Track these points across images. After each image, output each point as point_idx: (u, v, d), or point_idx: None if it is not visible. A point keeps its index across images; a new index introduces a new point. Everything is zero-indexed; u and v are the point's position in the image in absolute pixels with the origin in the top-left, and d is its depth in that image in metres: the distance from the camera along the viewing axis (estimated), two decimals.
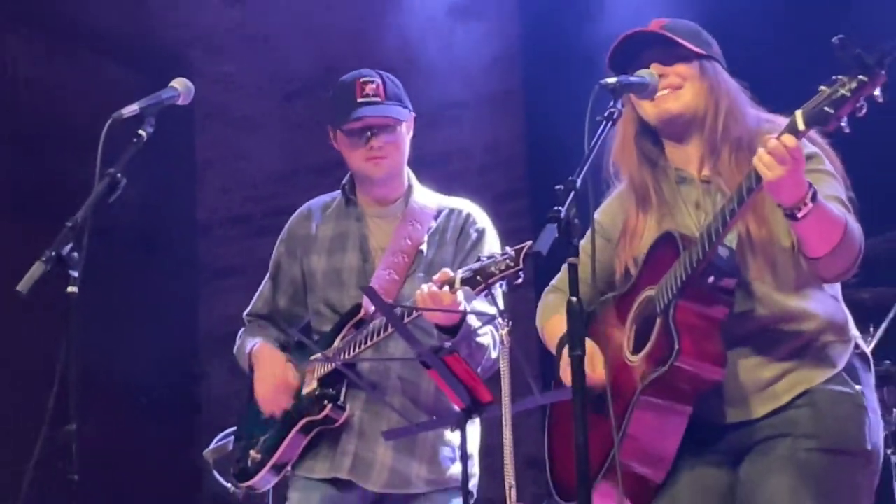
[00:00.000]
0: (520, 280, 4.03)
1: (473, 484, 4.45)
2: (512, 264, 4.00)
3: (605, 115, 3.59)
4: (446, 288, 4.08)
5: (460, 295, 4.09)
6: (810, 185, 3.48)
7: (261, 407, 4.52)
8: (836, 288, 3.82)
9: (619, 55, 3.82)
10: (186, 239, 9.33)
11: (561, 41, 7.75)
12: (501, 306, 4.31)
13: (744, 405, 3.72)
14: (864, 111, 3.36)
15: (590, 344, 3.68)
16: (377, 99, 4.49)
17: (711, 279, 3.63)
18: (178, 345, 9.08)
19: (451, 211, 4.59)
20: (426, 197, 4.63)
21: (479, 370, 4.26)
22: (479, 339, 4.29)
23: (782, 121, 3.73)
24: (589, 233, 3.74)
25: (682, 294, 3.63)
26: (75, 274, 3.71)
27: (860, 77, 3.32)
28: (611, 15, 6.71)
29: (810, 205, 3.47)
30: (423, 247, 4.50)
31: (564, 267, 4.00)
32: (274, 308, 4.68)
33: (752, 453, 3.73)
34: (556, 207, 3.38)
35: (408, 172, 4.64)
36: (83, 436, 3.67)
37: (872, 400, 3.79)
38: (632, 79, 3.71)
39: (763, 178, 3.43)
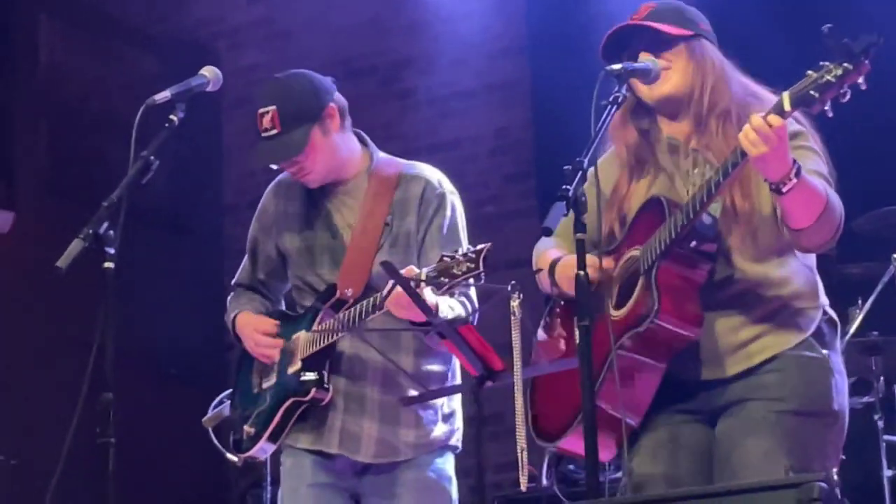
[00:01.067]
0: (482, 281, 3.94)
1: (458, 439, 4.44)
2: (472, 266, 3.89)
3: (611, 99, 3.59)
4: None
5: (427, 291, 3.99)
6: (795, 161, 3.49)
7: (258, 358, 4.47)
8: (811, 257, 3.82)
9: (610, 47, 3.82)
10: (213, 220, 9.35)
11: (566, 32, 7.74)
12: (475, 298, 4.31)
13: (718, 364, 3.73)
14: (847, 97, 3.37)
15: (591, 257, 3.65)
16: (274, 132, 4.30)
17: (694, 243, 3.65)
18: (205, 319, 9.08)
19: (411, 178, 4.45)
20: (387, 166, 4.49)
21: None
22: (452, 316, 4.21)
23: (768, 96, 3.74)
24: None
25: (666, 256, 3.64)
26: (111, 251, 3.71)
27: (845, 65, 3.33)
28: (615, 4, 6.68)
29: (794, 180, 3.48)
30: (389, 218, 4.40)
31: (555, 207, 4.02)
32: (255, 280, 4.61)
33: (726, 414, 3.73)
34: (564, 186, 3.37)
35: (359, 148, 4.50)
36: (118, 403, 3.67)
37: (839, 363, 3.81)
38: (636, 65, 3.71)
39: (748, 154, 3.44)
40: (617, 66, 3.65)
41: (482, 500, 3.97)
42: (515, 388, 3.63)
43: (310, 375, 4.31)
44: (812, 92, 3.36)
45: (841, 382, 3.78)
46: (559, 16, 7.95)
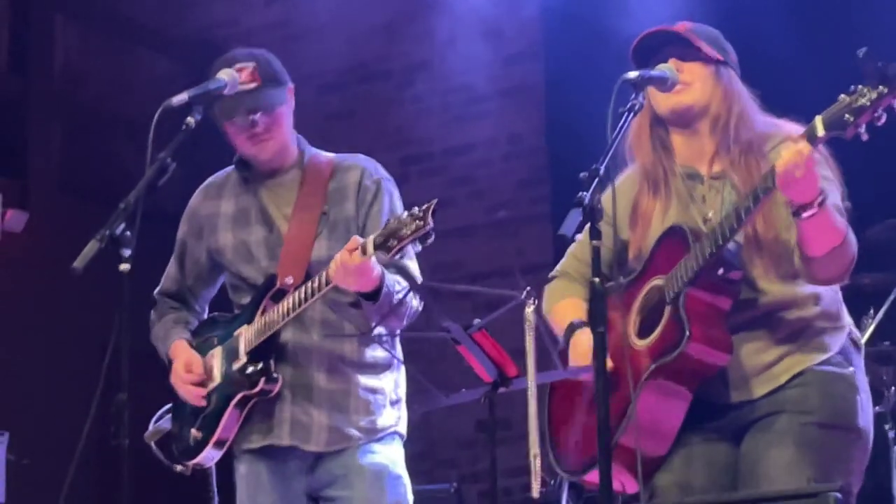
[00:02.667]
0: (431, 238, 3.92)
1: (404, 425, 4.42)
2: (421, 224, 3.88)
3: (627, 107, 3.59)
4: (358, 254, 3.97)
5: (373, 260, 3.98)
6: (822, 191, 3.50)
7: (182, 396, 4.44)
8: None
9: (642, 49, 3.82)
10: None
11: (581, 37, 7.74)
12: (416, 269, 4.27)
13: (745, 387, 3.73)
14: (882, 120, 3.39)
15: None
16: (252, 85, 4.31)
17: (721, 271, 3.65)
18: None
19: (346, 168, 4.43)
20: (320, 158, 4.48)
21: (405, 321, 4.23)
22: (398, 296, 4.18)
23: (789, 126, 3.76)
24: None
25: (693, 283, 3.64)
26: (127, 252, 3.71)
27: (881, 88, 3.34)
28: (629, 13, 6.68)
29: (816, 209, 3.49)
30: (326, 207, 4.37)
31: (568, 252, 4.08)
32: (183, 286, 4.56)
33: (752, 430, 3.74)
34: (580, 193, 3.37)
35: (297, 138, 4.49)
36: (132, 404, 3.67)
37: (864, 382, 3.81)
38: (653, 73, 3.71)
39: (778, 177, 3.45)
40: (634, 74, 3.65)
41: None
42: (529, 393, 3.62)
43: (257, 367, 4.28)
44: (847, 116, 3.37)
45: (866, 401, 3.78)
46: (574, 21, 7.94)
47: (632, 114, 3.58)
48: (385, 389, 4.37)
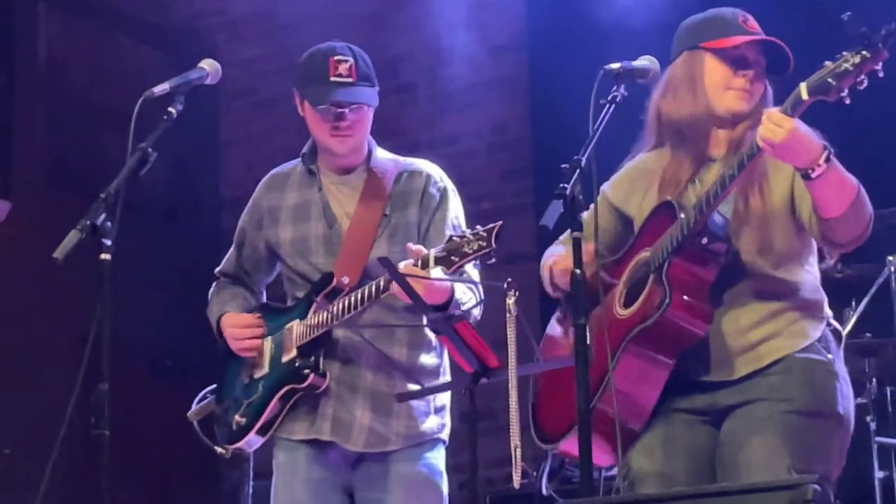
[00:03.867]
0: (492, 260, 3.96)
1: (447, 433, 4.44)
2: (484, 245, 3.92)
3: (609, 98, 3.60)
4: (419, 268, 4.00)
5: (435, 274, 4.00)
6: (825, 146, 3.52)
7: (242, 355, 4.47)
8: (816, 271, 3.85)
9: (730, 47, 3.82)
10: (210, 212, 9.34)
11: (565, 28, 7.74)
12: (476, 277, 4.28)
13: (727, 366, 3.74)
14: (864, 84, 3.41)
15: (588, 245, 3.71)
16: (350, 80, 4.36)
17: (705, 240, 3.67)
18: (200, 311, 9.08)
19: (412, 173, 4.47)
20: (386, 161, 4.51)
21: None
22: (464, 308, 4.21)
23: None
24: (592, 206, 3.81)
25: (677, 252, 3.66)
26: (108, 242, 3.71)
27: (863, 52, 3.38)
28: (613, 3, 6.68)
29: (824, 166, 3.50)
30: (388, 210, 4.40)
31: (552, 206, 4.03)
32: (240, 269, 4.62)
33: (732, 416, 3.75)
34: (561, 185, 3.38)
35: (368, 139, 4.53)
36: (113, 394, 3.66)
37: (843, 370, 3.82)
38: (634, 64, 3.72)
39: (766, 143, 3.48)
40: (615, 65, 3.66)
41: (474, 496, 3.98)
42: (510, 385, 3.62)
43: (307, 361, 4.31)
44: (830, 80, 3.40)
45: (846, 388, 3.80)
46: (558, 13, 7.94)
47: (613, 105, 3.58)
48: (430, 396, 4.39)
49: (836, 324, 3.88)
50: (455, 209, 4.44)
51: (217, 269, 4.68)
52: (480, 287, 4.31)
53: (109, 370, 3.66)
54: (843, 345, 3.89)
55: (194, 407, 4.74)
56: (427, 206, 4.40)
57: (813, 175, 3.50)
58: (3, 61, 8.62)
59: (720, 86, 3.80)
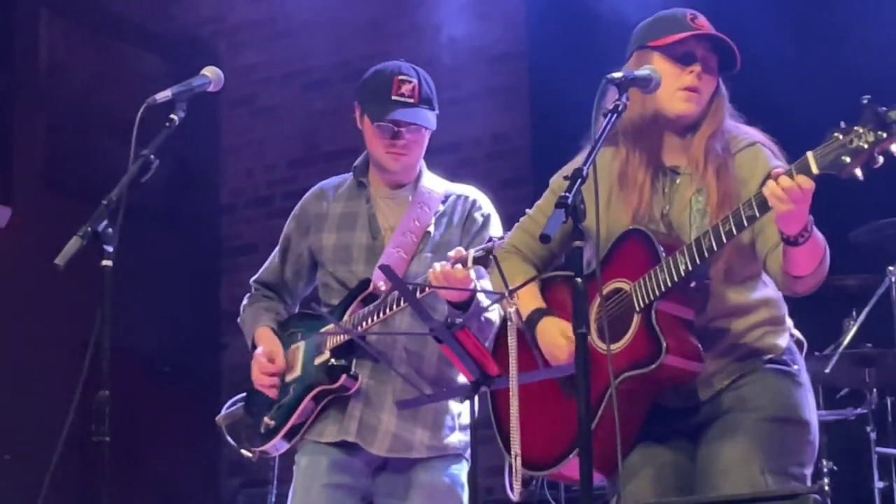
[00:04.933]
0: None
1: (469, 453, 4.44)
2: None
3: (611, 107, 3.59)
4: (459, 265, 4.08)
5: (472, 273, 4.09)
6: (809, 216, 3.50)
7: (258, 387, 4.52)
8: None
9: (675, 43, 3.80)
10: (210, 218, 9.35)
11: (565, 37, 7.75)
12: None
13: (691, 393, 3.76)
14: (879, 163, 3.32)
15: (563, 322, 3.73)
16: (411, 101, 4.44)
17: (693, 284, 3.68)
18: (200, 317, 9.09)
19: (458, 196, 4.57)
20: (434, 182, 4.60)
21: (487, 343, 4.26)
22: (488, 315, 4.29)
23: (748, 131, 3.80)
24: (548, 195, 3.88)
25: (666, 296, 3.64)
26: (110, 249, 3.70)
27: (879, 133, 3.29)
28: (616, 12, 6.68)
29: (809, 233, 3.49)
30: (431, 228, 4.48)
31: (517, 227, 4.10)
32: (280, 278, 4.66)
33: (704, 433, 3.77)
34: (563, 194, 3.37)
35: (421, 160, 4.62)
36: (113, 401, 3.66)
37: (807, 380, 3.85)
38: (637, 73, 3.69)
39: (774, 210, 3.44)
40: (617, 74, 3.64)
41: None
42: (511, 392, 3.62)
43: (340, 363, 4.36)
44: (844, 157, 3.32)
45: (810, 398, 3.83)
46: (559, 21, 7.95)
47: (615, 115, 3.58)
48: (454, 411, 4.45)
49: (797, 333, 3.91)
50: (497, 236, 4.47)
51: (253, 278, 4.73)
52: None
53: (110, 376, 3.65)
54: (804, 353, 3.92)
55: (224, 412, 4.77)
56: (468, 230, 4.50)
57: (801, 242, 3.49)
58: (5, 67, 8.63)
59: (668, 86, 3.77)
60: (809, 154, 3.39)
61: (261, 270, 4.71)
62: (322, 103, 8.88)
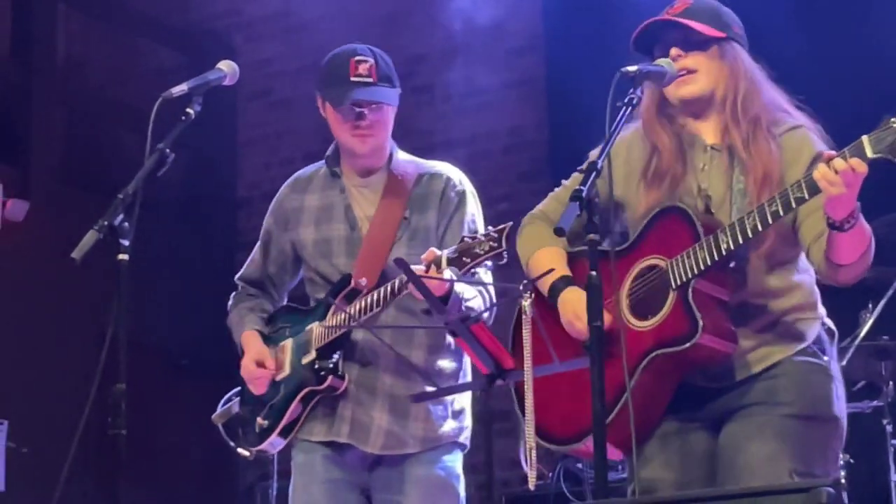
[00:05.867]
0: (503, 260, 3.98)
1: (466, 437, 4.45)
2: (495, 245, 3.95)
3: (626, 100, 3.58)
4: (433, 269, 4.03)
5: (447, 275, 4.03)
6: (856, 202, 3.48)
7: (248, 385, 4.52)
8: (812, 271, 3.81)
9: (643, 38, 3.82)
10: (227, 212, 9.36)
11: (582, 30, 7.75)
12: (493, 293, 4.29)
13: (724, 371, 3.72)
14: None
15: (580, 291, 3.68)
16: (370, 80, 4.39)
17: (732, 264, 3.66)
18: (217, 311, 9.09)
19: (431, 175, 4.50)
20: (406, 163, 4.54)
21: None
22: (469, 304, 4.23)
23: (797, 115, 3.77)
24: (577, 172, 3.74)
25: (704, 275, 3.62)
26: (126, 242, 3.72)
27: None
28: (631, 5, 6.67)
29: (855, 219, 3.48)
30: (407, 213, 4.43)
31: (550, 195, 4.08)
32: (264, 274, 4.63)
33: (731, 421, 3.73)
34: (578, 187, 3.37)
35: (389, 141, 4.55)
36: (130, 394, 3.68)
37: (838, 371, 3.82)
38: (650, 67, 3.69)
39: (825, 193, 3.42)
40: (632, 68, 3.64)
41: (490, 497, 3.98)
42: (526, 386, 3.63)
43: (326, 364, 4.33)
44: None
45: (840, 389, 3.79)
46: (576, 14, 7.95)
47: (630, 108, 3.58)
48: (447, 400, 4.41)
49: (829, 323, 3.85)
50: (472, 212, 4.46)
51: (237, 276, 4.70)
52: (493, 291, 4.32)
53: (126, 370, 3.67)
54: (836, 343, 3.87)
55: (219, 409, 4.77)
56: (445, 210, 4.43)
57: (847, 228, 3.47)
58: (22, 62, 8.65)
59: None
60: (864, 138, 3.38)
61: (244, 267, 4.67)
62: None
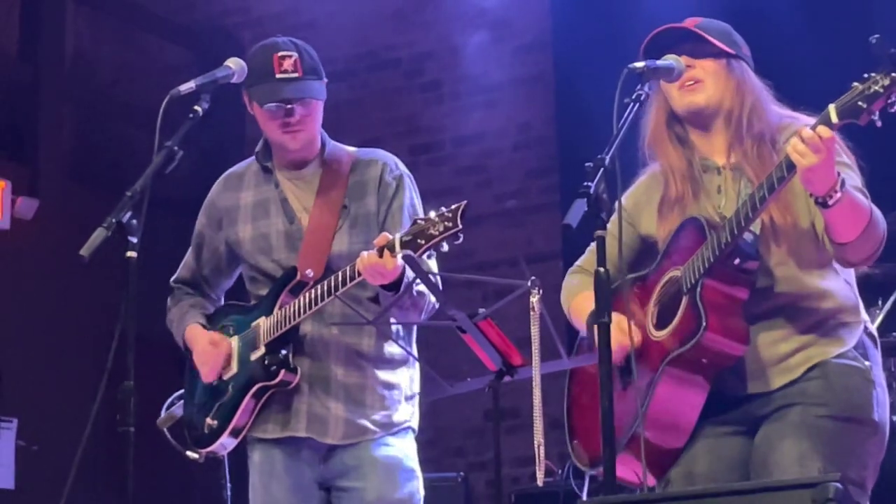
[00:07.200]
0: (459, 240, 3.92)
1: (416, 421, 4.44)
2: (450, 225, 3.89)
3: (633, 97, 3.59)
4: (387, 253, 3.98)
5: (400, 258, 3.97)
6: (839, 174, 3.49)
7: (203, 379, 4.45)
8: (850, 273, 3.82)
9: (653, 47, 3.81)
10: None
11: (591, 27, 7.75)
12: (434, 269, 4.21)
13: (761, 378, 3.72)
14: None
15: (617, 314, 3.67)
16: (295, 75, 4.32)
17: (737, 261, 3.65)
18: None
19: (367, 162, 4.45)
20: (340, 152, 4.49)
21: (422, 315, 4.23)
22: (419, 288, 4.18)
23: (804, 118, 3.75)
24: (615, 215, 3.72)
25: (709, 274, 3.63)
26: (134, 240, 3.73)
27: (893, 75, 3.33)
28: (640, 3, 6.68)
29: (839, 193, 3.48)
30: (346, 201, 4.38)
31: (590, 248, 4.05)
32: (199, 276, 4.59)
33: (767, 422, 3.72)
34: (585, 183, 3.38)
35: (320, 132, 4.50)
36: (138, 392, 3.69)
37: (880, 376, 3.79)
38: (658, 63, 3.69)
39: (797, 167, 3.44)
40: (640, 64, 3.64)
41: (499, 494, 3.98)
42: (534, 383, 3.63)
43: (276, 358, 4.29)
44: (860, 103, 3.36)
45: (882, 396, 3.76)
46: (584, 11, 7.95)
47: (637, 104, 3.58)
48: (401, 385, 4.39)
49: (872, 328, 3.84)
50: (412, 196, 4.42)
51: (172, 279, 4.64)
52: (430, 269, 4.21)
53: (135, 367, 3.68)
54: (879, 350, 3.85)
55: (163, 414, 4.72)
56: (384, 195, 4.38)
57: (830, 202, 3.49)
58: (31, 59, 8.67)
59: (670, 88, 3.79)
60: (830, 106, 3.42)
61: (178, 269, 4.63)
62: (346, 94, 8.89)
